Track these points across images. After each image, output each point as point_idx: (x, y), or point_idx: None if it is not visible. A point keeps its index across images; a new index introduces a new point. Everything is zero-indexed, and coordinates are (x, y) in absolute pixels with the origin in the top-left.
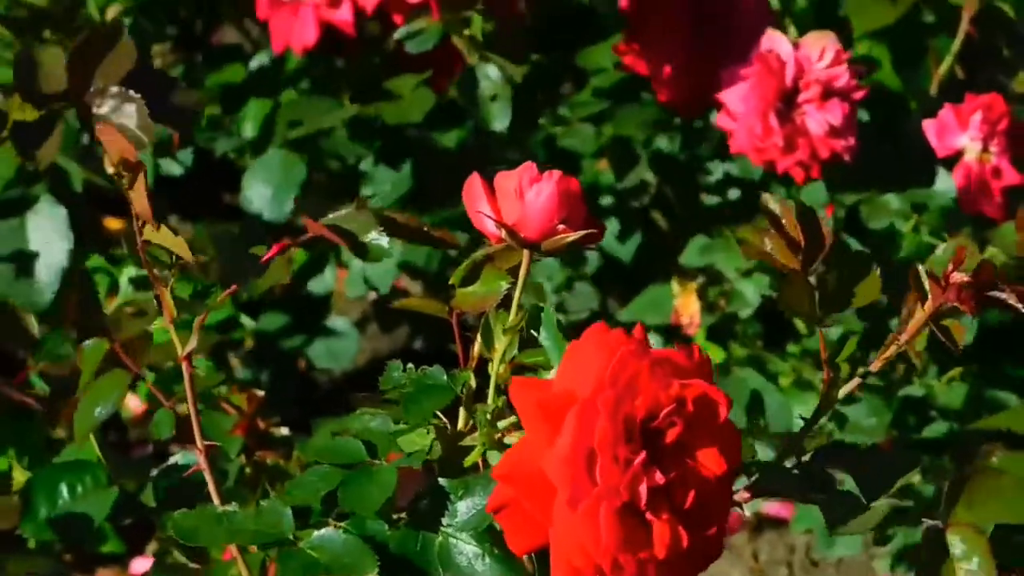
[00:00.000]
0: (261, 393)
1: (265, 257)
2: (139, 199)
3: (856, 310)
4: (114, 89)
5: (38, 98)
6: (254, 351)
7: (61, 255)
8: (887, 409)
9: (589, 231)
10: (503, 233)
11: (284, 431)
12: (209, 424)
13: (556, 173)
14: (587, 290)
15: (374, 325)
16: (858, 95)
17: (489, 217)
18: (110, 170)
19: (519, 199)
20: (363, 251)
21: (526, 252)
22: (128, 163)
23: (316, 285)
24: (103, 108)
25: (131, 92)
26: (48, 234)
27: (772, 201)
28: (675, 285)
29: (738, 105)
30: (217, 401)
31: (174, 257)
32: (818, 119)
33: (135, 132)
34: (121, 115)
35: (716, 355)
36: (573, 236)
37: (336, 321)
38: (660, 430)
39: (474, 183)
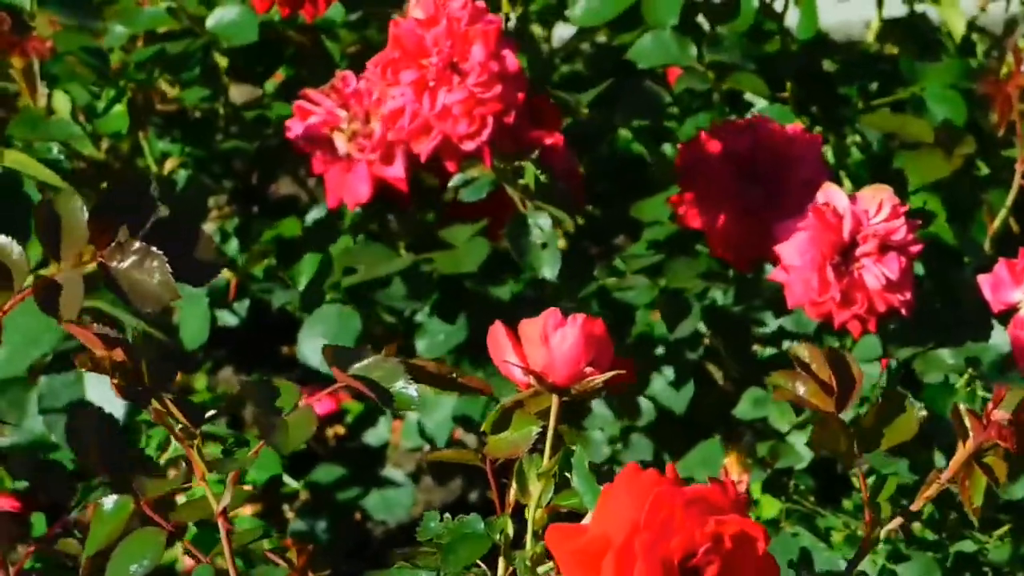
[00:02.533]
0: (311, 546)
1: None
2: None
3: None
4: (136, 244)
5: (58, 252)
6: (309, 503)
7: (118, 407)
8: (937, 567)
9: (617, 372)
10: (531, 379)
11: None
12: None
13: (580, 317)
14: (642, 442)
15: (429, 477)
16: (915, 249)
17: (515, 365)
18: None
19: (544, 345)
20: (388, 400)
21: (555, 397)
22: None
23: (371, 436)
24: (124, 264)
25: (153, 248)
26: (105, 386)
27: (801, 349)
28: (724, 443)
29: (795, 258)
30: (265, 555)
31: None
32: (875, 273)
33: (155, 290)
34: (142, 272)
35: (772, 508)
36: (601, 379)
37: (392, 473)
38: (698, 568)
39: (498, 332)
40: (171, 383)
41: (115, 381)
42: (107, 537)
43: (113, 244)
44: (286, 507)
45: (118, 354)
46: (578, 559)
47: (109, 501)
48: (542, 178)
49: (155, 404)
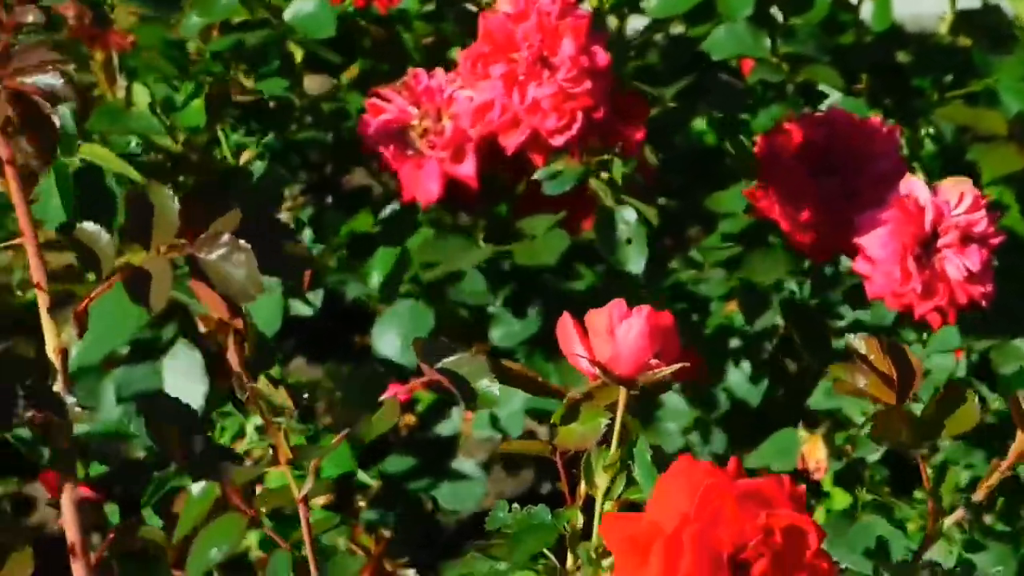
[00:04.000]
0: (388, 534)
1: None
2: (234, 357)
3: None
4: (225, 237)
5: (148, 241)
6: (381, 493)
7: (197, 398)
8: (1013, 557)
9: (683, 364)
10: (597, 371)
11: (411, 573)
12: (335, 566)
13: (646, 308)
14: (716, 433)
15: (500, 467)
16: (996, 241)
17: (582, 356)
18: (203, 328)
19: (610, 336)
20: (472, 398)
21: (622, 389)
22: (223, 323)
23: (443, 427)
24: (212, 255)
25: (241, 241)
26: (184, 377)
27: (859, 341)
28: (802, 431)
29: (877, 250)
30: (348, 544)
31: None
32: (957, 264)
33: (243, 282)
34: (230, 264)
35: (842, 500)
36: (667, 371)
37: (463, 463)
38: (748, 562)
39: (565, 324)
40: (269, 368)
41: (235, 348)
42: (194, 522)
43: (203, 236)
44: (358, 497)
45: (238, 323)
46: (629, 547)
47: (197, 487)
48: (627, 171)
49: (251, 386)
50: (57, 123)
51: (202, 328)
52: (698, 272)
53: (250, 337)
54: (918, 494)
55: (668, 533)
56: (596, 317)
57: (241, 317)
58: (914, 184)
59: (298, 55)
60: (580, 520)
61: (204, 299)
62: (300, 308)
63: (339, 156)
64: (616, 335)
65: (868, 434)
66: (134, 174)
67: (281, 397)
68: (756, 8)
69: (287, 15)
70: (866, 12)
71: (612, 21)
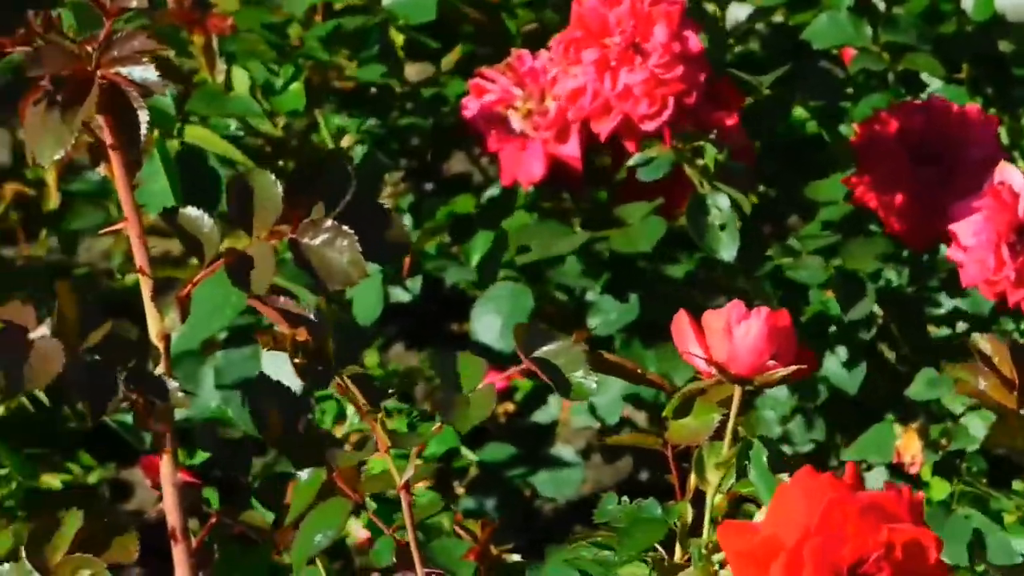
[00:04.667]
0: (495, 520)
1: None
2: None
3: None
4: (328, 222)
5: (251, 226)
6: (479, 479)
7: (296, 383)
8: None
9: (799, 367)
10: (713, 370)
11: (516, 558)
12: (440, 550)
13: (764, 310)
14: (814, 421)
15: (598, 455)
16: None
17: (699, 356)
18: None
19: (728, 337)
20: (566, 388)
21: (737, 388)
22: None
23: (541, 415)
24: (315, 240)
25: (344, 227)
26: (282, 362)
27: (982, 341)
28: (897, 425)
29: (970, 238)
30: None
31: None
32: None
33: (345, 268)
34: (332, 249)
35: (940, 490)
36: (784, 372)
37: (561, 451)
38: None
39: (681, 321)
40: (354, 361)
41: (296, 360)
42: (303, 507)
43: (305, 221)
44: (456, 483)
45: (301, 333)
46: (748, 559)
47: (305, 473)
48: (720, 158)
49: (338, 380)
50: (144, 118)
51: (262, 346)
52: (796, 260)
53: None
54: (1017, 485)
55: (789, 547)
56: (713, 317)
57: (308, 324)
58: (1009, 171)
59: (399, 40)
60: (690, 515)
61: (265, 312)
62: (399, 295)
63: (439, 142)
64: (734, 335)
65: (966, 426)
66: (238, 155)
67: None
68: None
69: (387, 0)
70: (967, 2)
71: (712, 9)
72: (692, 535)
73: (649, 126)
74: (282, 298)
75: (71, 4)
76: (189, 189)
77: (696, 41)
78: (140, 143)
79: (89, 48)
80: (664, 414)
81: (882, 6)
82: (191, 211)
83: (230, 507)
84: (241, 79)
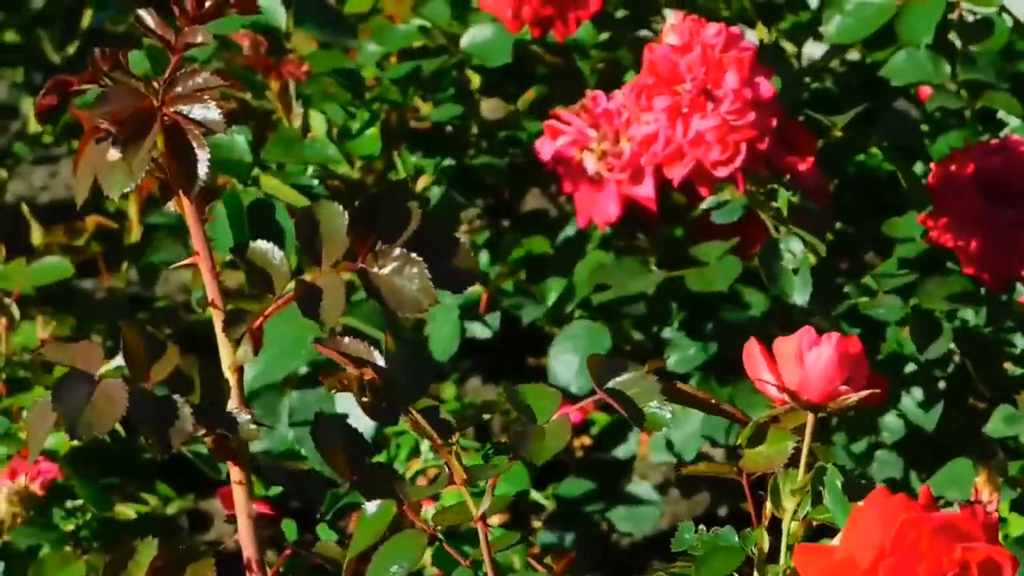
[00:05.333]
0: (571, 554)
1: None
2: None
3: None
4: (396, 251)
5: (319, 257)
6: (556, 514)
7: (367, 423)
8: None
9: (872, 391)
10: (785, 397)
11: None
12: None
13: (835, 335)
14: (890, 458)
15: (675, 489)
16: None
17: (770, 383)
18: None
19: (799, 363)
20: (640, 419)
21: (810, 414)
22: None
23: (618, 450)
24: (384, 269)
25: (413, 255)
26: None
27: None
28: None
29: None
30: (526, 561)
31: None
32: None
33: (415, 296)
34: (402, 277)
35: (1020, 526)
36: (856, 397)
37: (639, 487)
38: None
39: (752, 350)
40: (421, 397)
41: (364, 400)
42: (369, 540)
43: (373, 250)
44: (532, 517)
45: (367, 373)
46: None
47: (372, 506)
48: (794, 199)
49: (411, 416)
50: (203, 156)
51: (327, 388)
52: (871, 299)
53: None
54: None
55: (865, 567)
56: (784, 344)
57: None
58: None
59: (475, 81)
60: (767, 542)
61: (328, 354)
62: (478, 330)
63: (515, 180)
64: (805, 362)
65: None
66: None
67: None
68: (935, 35)
69: (464, 42)
70: None
71: (788, 46)
72: (769, 562)
73: (722, 172)
74: (347, 339)
75: (146, 46)
76: (256, 235)
77: (767, 87)
78: (198, 182)
79: (156, 85)
80: (738, 442)
81: (959, 44)
82: (261, 244)
83: (306, 539)
84: (318, 122)
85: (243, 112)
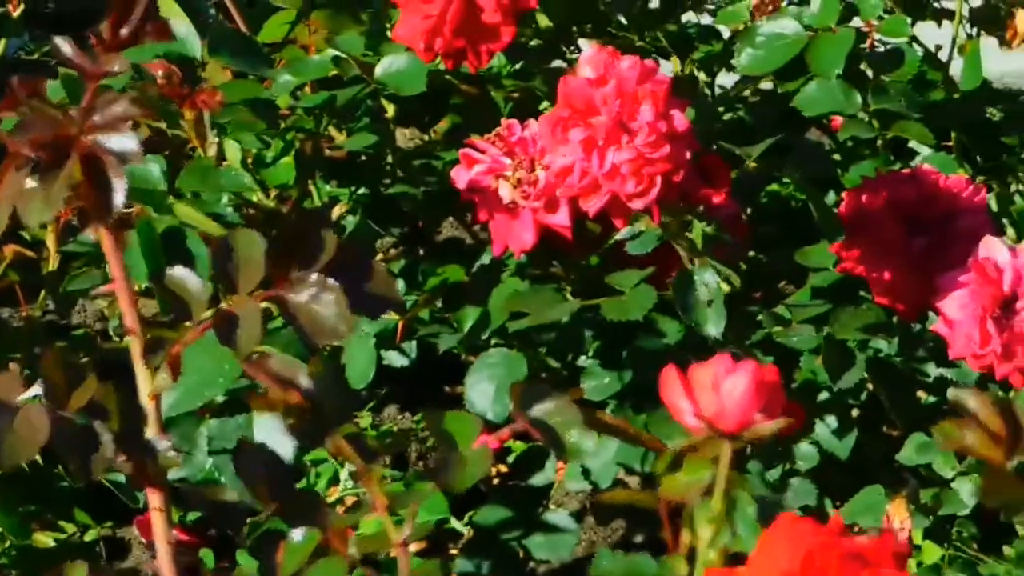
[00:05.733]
0: None
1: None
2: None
3: None
4: (314, 277)
5: (236, 285)
6: (473, 542)
7: (287, 450)
8: None
9: (788, 420)
10: (702, 425)
11: None
12: None
13: (751, 364)
14: (805, 486)
15: (591, 517)
16: None
17: (686, 411)
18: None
19: (715, 392)
20: (562, 449)
21: (726, 443)
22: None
23: (536, 477)
24: (302, 296)
25: (330, 281)
26: (274, 429)
27: (969, 397)
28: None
29: (956, 312)
30: None
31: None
32: None
33: (333, 322)
34: (320, 304)
35: (932, 555)
36: (772, 426)
37: (556, 514)
38: None
39: (670, 376)
40: (347, 421)
41: (290, 422)
42: (295, 567)
43: (291, 277)
44: (450, 545)
45: (293, 396)
46: None
47: (298, 533)
48: (708, 230)
49: (336, 441)
50: (120, 186)
51: (256, 410)
52: (785, 329)
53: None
54: (1008, 550)
55: None
56: (700, 372)
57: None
58: (993, 245)
59: (390, 110)
60: (684, 569)
61: (255, 375)
62: (394, 359)
63: (430, 209)
64: (721, 390)
65: (957, 491)
66: (221, 233)
67: (356, 460)
68: (847, 65)
69: (378, 71)
70: (955, 70)
71: (700, 76)
72: None
73: (637, 204)
74: (273, 359)
75: (62, 75)
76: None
77: (682, 119)
78: (113, 211)
79: (73, 114)
80: (655, 470)
81: (871, 73)
82: (179, 271)
83: (224, 566)
84: (233, 151)
85: (158, 141)
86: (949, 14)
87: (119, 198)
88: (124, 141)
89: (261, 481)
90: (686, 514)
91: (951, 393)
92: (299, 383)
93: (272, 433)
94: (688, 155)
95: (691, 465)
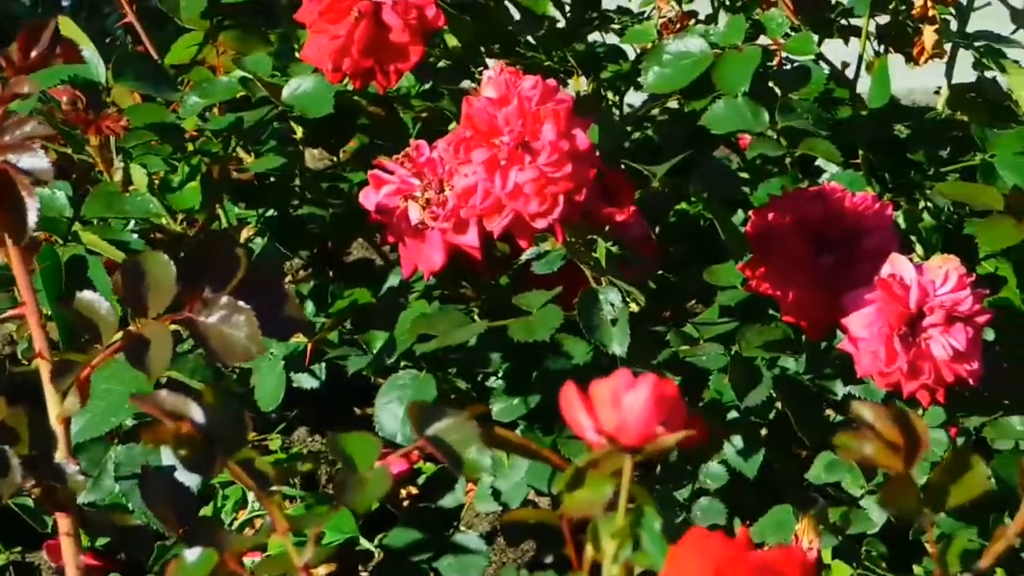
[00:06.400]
0: None
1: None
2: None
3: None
4: (224, 300)
5: (145, 308)
6: (383, 564)
7: (193, 477)
8: None
9: (688, 433)
10: (603, 440)
11: None
12: None
13: (651, 377)
14: (714, 505)
15: (502, 538)
16: (982, 319)
17: (587, 426)
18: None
19: (616, 406)
20: (459, 466)
21: (627, 458)
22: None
23: (446, 499)
24: (212, 318)
25: (240, 303)
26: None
27: (864, 409)
28: (796, 509)
29: (862, 330)
30: None
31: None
32: (943, 344)
33: (244, 343)
34: (230, 326)
35: (842, 574)
36: (673, 439)
37: (465, 536)
38: None
39: (569, 393)
40: (241, 449)
41: (181, 453)
42: None
43: (201, 299)
44: (361, 567)
45: (184, 426)
46: None
47: (192, 554)
48: (614, 250)
49: (231, 465)
50: (33, 206)
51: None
52: (693, 347)
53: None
54: (917, 570)
55: None
56: (601, 387)
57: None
58: (899, 263)
59: (298, 131)
60: None
61: (144, 409)
62: (304, 381)
63: (339, 230)
64: (622, 405)
65: (865, 509)
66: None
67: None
68: (753, 83)
69: (285, 93)
70: (862, 87)
71: (608, 95)
72: None
73: (540, 223)
74: (164, 392)
75: None
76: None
77: (584, 139)
78: (27, 231)
79: None
80: (557, 488)
81: (779, 92)
82: (88, 295)
83: None
84: (139, 176)
85: (64, 167)
86: (856, 31)
87: (32, 218)
88: (35, 160)
89: (166, 506)
90: (590, 530)
91: (852, 407)
92: (190, 416)
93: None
94: (591, 174)
95: (593, 481)
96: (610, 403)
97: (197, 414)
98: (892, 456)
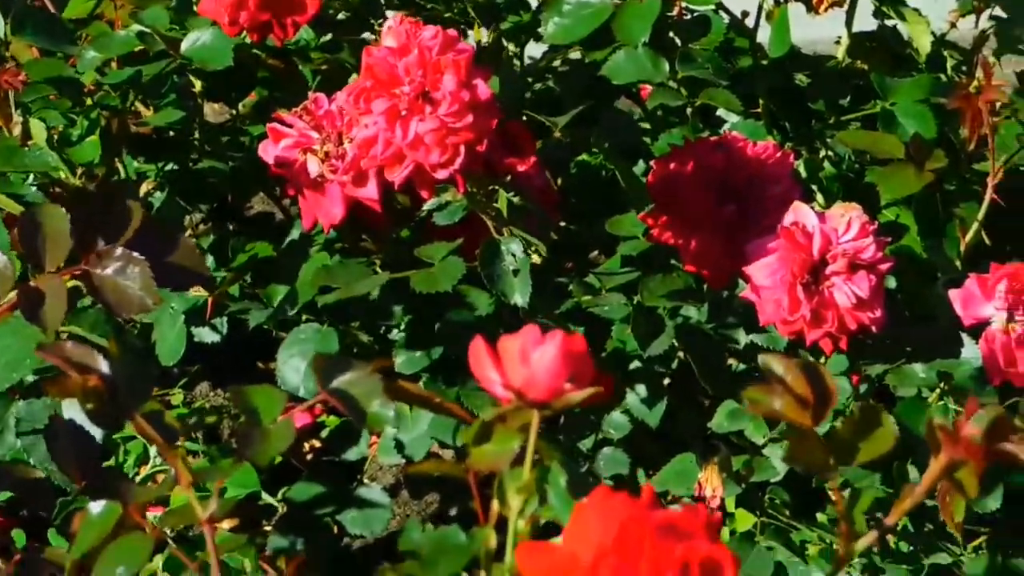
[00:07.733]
0: (302, 557)
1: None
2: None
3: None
4: (119, 251)
5: (42, 262)
6: (287, 517)
7: (96, 429)
8: None
9: (596, 389)
10: (511, 395)
11: None
12: None
13: (559, 333)
14: (617, 455)
15: (406, 491)
16: (885, 267)
17: (496, 381)
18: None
19: (524, 362)
20: (362, 418)
21: (535, 412)
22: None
23: (350, 452)
24: (107, 270)
25: (135, 254)
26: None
27: (775, 362)
28: (699, 458)
29: (765, 279)
30: (258, 564)
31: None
32: (845, 291)
33: (139, 295)
34: (125, 277)
35: (745, 522)
36: (580, 395)
37: (369, 489)
38: None
39: (478, 348)
40: (146, 402)
41: (88, 406)
42: (93, 542)
43: (97, 252)
44: (265, 521)
45: (91, 379)
46: None
47: (96, 506)
48: (516, 201)
49: (136, 420)
50: None
51: (51, 395)
52: (595, 298)
53: (122, 376)
54: (820, 517)
55: (586, 566)
56: (509, 343)
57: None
58: (802, 211)
59: (198, 85)
60: (494, 540)
61: (50, 360)
62: (205, 335)
63: (239, 184)
64: (530, 360)
65: (768, 457)
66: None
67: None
68: (654, 34)
69: (184, 46)
70: (763, 37)
71: (509, 47)
72: (496, 560)
73: (441, 174)
74: (69, 344)
75: None
76: None
77: (485, 89)
78: None
79: None
80: (463, 441)
81: (679, 42)
82: None
83: (37, 545)
84: (38, 130)
85: None
86: None
87: None
88: None
89: (70, 460)
90: (496, 484)
91: (760, 359)
92: (97, 367)
93: (80, 412)
94: (492, 124)
95: (500, 435)
96: (519, 359)
97: (103, 366)
98: (801, 412)
